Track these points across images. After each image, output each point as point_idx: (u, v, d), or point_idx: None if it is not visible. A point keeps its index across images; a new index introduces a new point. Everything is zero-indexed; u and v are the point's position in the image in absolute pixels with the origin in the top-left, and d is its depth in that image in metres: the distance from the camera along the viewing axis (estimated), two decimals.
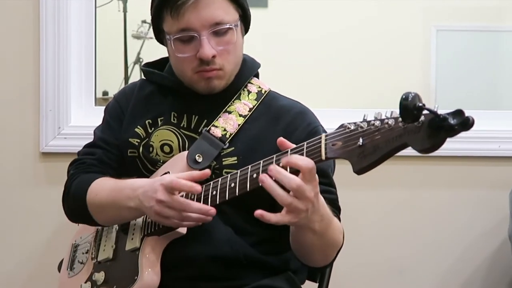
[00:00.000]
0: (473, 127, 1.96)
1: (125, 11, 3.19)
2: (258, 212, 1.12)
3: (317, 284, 1.55)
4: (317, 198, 1.16)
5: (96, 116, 1.67)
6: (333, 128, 1.42)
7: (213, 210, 1.24)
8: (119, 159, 1.47)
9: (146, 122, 1.46)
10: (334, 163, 1.43)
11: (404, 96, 0.95)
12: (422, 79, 4.57)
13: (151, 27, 1.45)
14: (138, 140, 1.45)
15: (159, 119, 1.46)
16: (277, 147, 1.36)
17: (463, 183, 1.92)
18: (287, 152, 1.16)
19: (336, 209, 1.36)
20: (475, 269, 1.94)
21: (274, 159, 1.17)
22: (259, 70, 1.53)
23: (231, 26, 1.36)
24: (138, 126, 1.46)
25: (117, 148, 1.47)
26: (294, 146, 1.17)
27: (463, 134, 1.89)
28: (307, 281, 1.52)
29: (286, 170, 1.12)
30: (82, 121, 1.88)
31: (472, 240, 1.93)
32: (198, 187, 1.24)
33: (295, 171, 1.12)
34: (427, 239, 1.93)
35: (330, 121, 1.63)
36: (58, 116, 1.88)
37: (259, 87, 1.48)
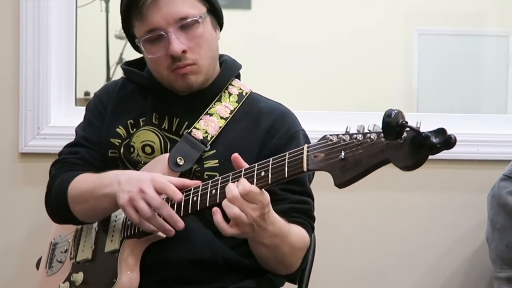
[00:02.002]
0: (452, 131, 1.98)
1: (107, 11, 3.17)
2: (214, 209, 1.19)
3: (296, 286, 1.55)
4: (263, 219, 1.19)
5: (76, 117, 1.65)
6: (314, 131, 1.43)
7: (181, 224, 1.24)
8: (102, 158, 1.46)
9: (128, 122, 1.45)
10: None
11: (387, 113, 0.95)
12: (404, 82, 4.60)
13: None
14: (119, 141, 1.44)
15: (141, 120, 1.45)
16: (259, 150, 1.38)
17: (442, 186, 1.94)
18: (266, 163, 1.17)
19: (309, 218, 1.37)
20: (455, 270, 1.96)
21: (256, 168, 1.18)
22: (241, 71, 1.52)
23: (196, 19, 1.35)
24: (120, 126, 1.45)
25: (99, 146, 1.46)
26: (246, 166, 1.20)
27: None
28: (286, 283, 1.52)
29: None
30: (62, 122, 1.86)
31: (451, 242, 1.95)
32: (179, 196, 1.24)
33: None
34: (407, 241, 1.94)
35: (312, 123, 1.64)
36: (37, 116, 1.87)
37: (240, 88, 1.47)
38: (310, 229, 1.38)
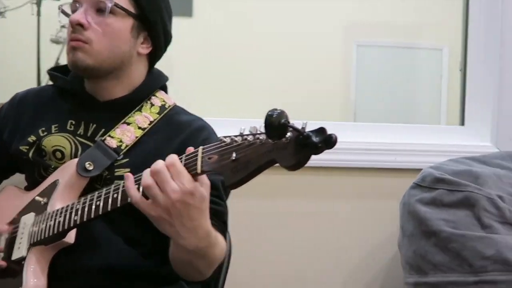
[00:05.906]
0: (372, 140, 2.03)
1: (39, 15, 3.11)
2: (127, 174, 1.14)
3: None
4: (187, 209, 1.12)
5: None
6: None
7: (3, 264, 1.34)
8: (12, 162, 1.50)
9: (40, 130, 1.44)
10: None
11: (269, 113, 0.95)
12: (343, 93, 4.68)
13: None
14: (27, 147, 1.43)
15: (53, 126, 1.44)
16: None
17: (361, 193, 1.98)
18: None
19: (222, 222, 1.36)
20: (372, 277, 2.00)
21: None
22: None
23: (110, 5, 1.35)
24: (32, 135, 1.44)
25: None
26: None
27: (361, 145, 1.95)
28: None
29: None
30: None
31: (369, 249, 1.99)
32: None
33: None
34: (327, 247, 1.97)
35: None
36: None
37: (164, 101, 1.47)
38: (225, 237, 1.38)
